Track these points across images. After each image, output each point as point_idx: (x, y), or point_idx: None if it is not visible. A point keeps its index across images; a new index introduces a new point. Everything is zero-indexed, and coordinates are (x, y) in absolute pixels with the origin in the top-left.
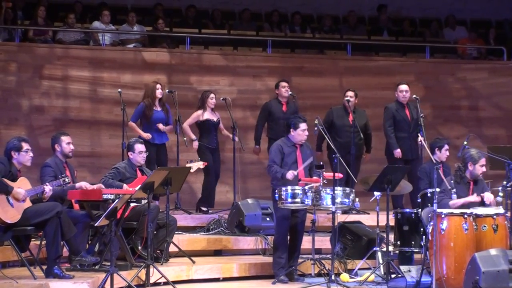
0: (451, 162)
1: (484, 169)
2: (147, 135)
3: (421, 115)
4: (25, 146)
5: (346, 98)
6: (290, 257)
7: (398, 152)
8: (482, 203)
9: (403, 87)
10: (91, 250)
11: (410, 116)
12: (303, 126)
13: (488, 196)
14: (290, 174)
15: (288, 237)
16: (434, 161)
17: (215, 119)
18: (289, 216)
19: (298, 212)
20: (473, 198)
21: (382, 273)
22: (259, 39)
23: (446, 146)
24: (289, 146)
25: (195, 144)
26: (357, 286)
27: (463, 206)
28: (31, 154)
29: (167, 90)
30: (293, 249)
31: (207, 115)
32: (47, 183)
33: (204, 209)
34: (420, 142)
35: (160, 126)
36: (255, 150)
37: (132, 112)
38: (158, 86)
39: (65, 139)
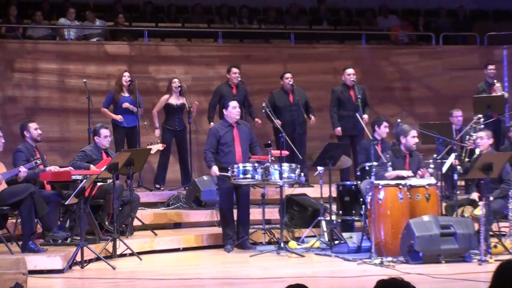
0: (389, 140)
1: (416, 140)
2: (118, 117)
3: (359, 96)
4: None
5: (287, 80)
6: (242, 228)
7: (338, 131)
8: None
9: (350, 70)
10: (62, 226)
11: (355, 97)
12: (233, 103)
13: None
14: (212, 171)
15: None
16: (372, 138)
17: (178, 103)
18: (233, 191)
19: (241, 187)
20: (407, 173)
21: (327, 240)
22: (210, 31)
23: (385, 124)
24: (226, 127)
25: (157, 132)
26: (304, 252)
27: (397, 177)
28: (3, 141)
29: (128, 79)
30: (243, 220)
31: (171, 99)
32: (21, 166)
33: (158, 186)
34: (364, 120)
35: (126, 104)
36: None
37: (97, 100)
38: (125, 74)
39: (32, 125)
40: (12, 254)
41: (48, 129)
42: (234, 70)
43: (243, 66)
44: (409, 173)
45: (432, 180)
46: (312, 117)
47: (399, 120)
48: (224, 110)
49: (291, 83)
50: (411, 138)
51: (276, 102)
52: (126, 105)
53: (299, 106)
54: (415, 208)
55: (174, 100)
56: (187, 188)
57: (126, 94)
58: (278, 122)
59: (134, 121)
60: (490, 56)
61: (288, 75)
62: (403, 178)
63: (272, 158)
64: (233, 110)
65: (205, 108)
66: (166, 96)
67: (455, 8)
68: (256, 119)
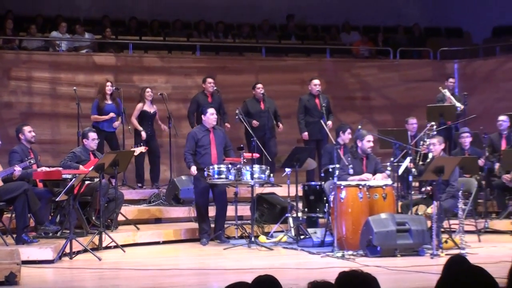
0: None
1: (371, 144)
2: (109, 115)
3: (323, 104)
4: None
5: (258, 90)
6: (217, 223)
7: (305, 135)
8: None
9: (316, 81)
10: (53, 221)
11: (320, 105)
12: (210, 110)
13: (378, 178)
14: (191, 171)
15: (213, 207)
16: (335, 142)
17: (151, 111)
18: (208, 190)
19: (217, 186)
20: (366, 175)
21: (293, 234)
22: (189, 44)
23: (349, 130)
24: (203, 131)
25: (143, 134)
26: (272, 246)
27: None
28: (0, 142)
29: (114, 88)
30: (219, 215)
31: (146, 107)
32: (16, 165)
33: (140, 185)
34: (328, 126)
35: (116, 125)
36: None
37: (85, 106)
38: (108, 83)
39: (26, 128)
40: (7, 246)
41: (41, 132)
42: (209, 80)
43: (218, 77)
44: (369, 175)
45: (389, 181)
46: (280, 125)
47: (359, 127)
48: (202, 116)
49: (262, 92)
50: (366, 142)
51: (249, 109)
52: (116, 125)
53: (269, 113)
54: (374, 207)
55: (148, 108)
56: (156, 186)
57: (109, 102)
58: (255, 123)
59: (112, 127)
60: (443, 69)
61: (259, 85)
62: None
63: (244, 160)
64: (210, 116)
65: (183, 114)
66: (141, 104)
67: (411, 25)
68: (226, 124)
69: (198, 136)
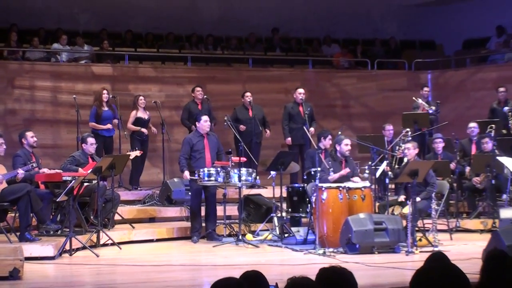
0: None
1: (348, 147)
2: (106, 126)
3: (306, 112)
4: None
5: (247, 98)
6: (209, 222)
7: (288, 140)
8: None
9: (301, 90)
10: (54, 220)
11: (303, 112)
12: (204, 118)
13: (356, 180)
14: (184, 175)
15: (204, 207)
16: (316, 147)
17: (145, 117)
18: (201, 191)
19: (209, 188)
20: (345, 171)
21: (278, 233)
22: (181, 56)
23: (330, 136)
24: (198, 137)
25: (145, 130)
26: (258, 243)
27: (339, 179)
28: (4, 147)
29: (111, 96)
30: (210, 215)
31: (140, 113)
32: (19, 168)
33: (135, 186)
34: (310, 132)
35: (112, 122)
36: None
37: (84, 113)
38: (105, 91)
39: (29, 134)
40: (11, 243)
41: (43, 137)
42: (197, 88)
43: (208, 86)
44: (347, 170)
45: (367, 183)
46: (268, 131)
47: (339, 133)
48: (196, 123)
49: (249, 100)
50: (344, 146)
51: (238, 116)
52: (110, 124)
53: (256, 119)
54: (353, 207)
55: (142, 114)
56: (135, 188)
57: (106, 108)
58: (242, 127)
59: (111, 131)
60: (417, 79)
61: (248, 93)
62: (345, 176)
63: (232, 163)
64: (204, 123)
65: (175, 120)
66: (134, 112)
67: (387, 38)
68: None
69: (193, 141)
